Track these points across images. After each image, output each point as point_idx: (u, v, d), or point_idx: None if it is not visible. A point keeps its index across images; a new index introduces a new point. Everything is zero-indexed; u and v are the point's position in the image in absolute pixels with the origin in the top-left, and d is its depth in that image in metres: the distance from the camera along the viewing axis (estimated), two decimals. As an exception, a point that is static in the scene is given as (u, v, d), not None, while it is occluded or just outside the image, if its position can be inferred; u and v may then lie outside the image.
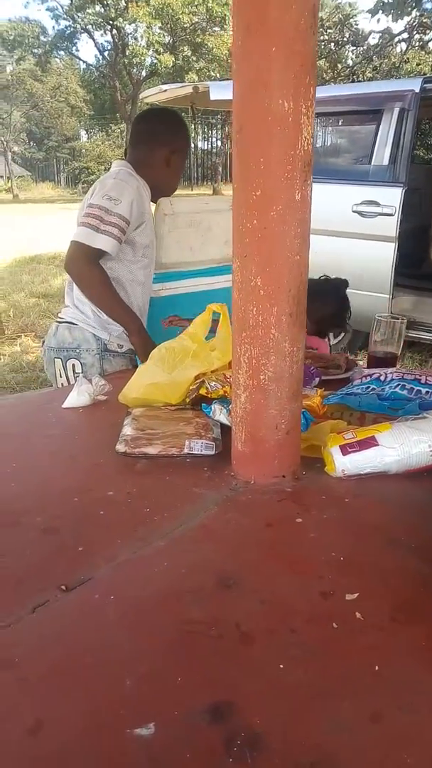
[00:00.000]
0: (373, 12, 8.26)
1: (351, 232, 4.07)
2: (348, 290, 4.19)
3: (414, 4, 8.22)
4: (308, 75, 0.78)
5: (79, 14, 21.77)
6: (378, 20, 8.76)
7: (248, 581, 0.69)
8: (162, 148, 1.68)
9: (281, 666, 0.57)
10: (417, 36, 9.22)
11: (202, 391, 1.13)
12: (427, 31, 8.99)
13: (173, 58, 20.59)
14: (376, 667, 0.57)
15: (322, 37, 10.63)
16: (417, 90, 3.89)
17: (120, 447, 1.00)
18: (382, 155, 4.08)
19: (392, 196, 3.90)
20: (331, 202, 4.21)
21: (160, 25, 19.97)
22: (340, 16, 10.77)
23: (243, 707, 0.52)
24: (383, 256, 3.95)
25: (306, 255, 0.86)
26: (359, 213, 4.04)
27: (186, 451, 0.99)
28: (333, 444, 0.96)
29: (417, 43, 9.59)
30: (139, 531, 0.80)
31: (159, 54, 20.43)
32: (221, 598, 0.67)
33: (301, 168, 0.80)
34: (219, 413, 1.08)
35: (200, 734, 0.50)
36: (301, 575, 0.71)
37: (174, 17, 19.41)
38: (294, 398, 0.93)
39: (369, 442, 0.94)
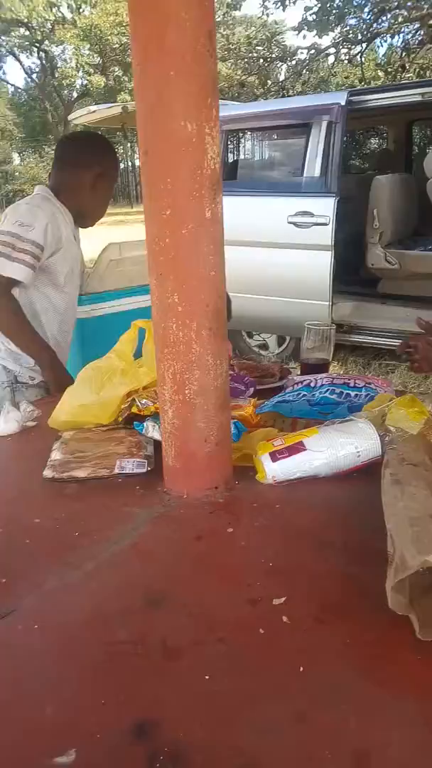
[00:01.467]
0: (298, 29, 8.53)
1: (288, 242, 4.16)
2: (289, 299, 4.27)
3: (337, 21, 8.53)
4: (209, 97, 0.80)
5: (3, 38, 21.57)
6: (304, 36, 9.03)
7: (177, 596, 0.70)
8: (86, 172, 1.64)
9: (207, 677, 0.57)
10: (344, 50, 9.54)
11: (134, 410, 1.13)
12: (353, 46, 9.32)
13: (104, 79, 20.67)
14: (301, 669, 0.58)
15: (251, 54, 10.88)
16: (343, 103, 4.03)
17: (47, 473, 0.99)
18: (314, 167, 4.20)
19: (325, 206, 4.01)
20: (267, 214, 4.30)
21: (89, 46, 20.03)
22: (267, 33, 11.07)
23: (167, 723, 0.52)
24: (321, 264, 4.05)
25: (221, 270, 0.88)
26: (294, 224, 4.13)
27: (117, 471, 0.99)
28: (263, 451, 0.98)
29: (344, 57, 9.92)
30: (68, 556, 0.79)
31: (89, 75, 20.47)
32: (149, 616, 0.67)
33: (209, 186, 0.82)
34: (152, 430, 1.08)
35: (123, 755, 0.50)
36: (230, 585, 0.72)
37: (102, 38, 19.51)
38: (221, 410, 0.94)
39: (297, 448, 0.96)
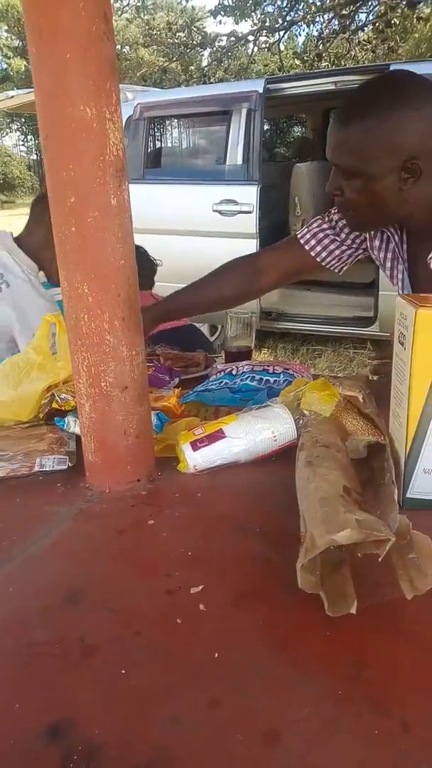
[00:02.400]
0: (214, 14, 8.49)
1: (213, 231, 4.17)
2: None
3: (254, 7, 8.54)
4: (108, 81, 0.78)
5: None
6: (221, 22, 8.99)
7: (96, 593, 0.69)
8: None
9: (123, 672, 0.57)
10: (262, 38, 9.58)
11: (54, 405, 1.11)
12: (271, 34, 9.37)
13: (25, 63, 19.89)
14: (216, 655, 0.58)
15: (172, 41, 10.76)
16: (260, 90, 4.07)
17: (-37, 473, 0.95)
18: (236, 155, 4.22)
19: (249, 194, 4.05)
20: (192, 202, 4.30)
21: (6, 28, 19.20)
22: (187, 19, 10.98)
23: (82, 721, 0.52)
24: (246, 252, 4.07)
25: (131, 259, 0.87)
26: (219, 212, 4.15)
27: (37, 468, 0.96)
28: (184, 441, 0.98)
29: (263, 45, 9.97)
30: (-16, 559, 0.76)
31: (9, 59, 19.65)
32: (67, 615, 0.65)
33: (114, 173, 0.81)
34: (73, 425, 1.06)
35: (36, 758, 0.49)
36: (149, 577, 0.71)
37: (20, 20, 18.72)
38: (140, 402, 0.93)
39: (217, 435, 0.97)
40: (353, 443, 0.98)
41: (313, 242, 1.41)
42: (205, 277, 1.50)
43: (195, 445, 0.96)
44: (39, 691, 0.56)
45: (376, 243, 1.35)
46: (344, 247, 1.41)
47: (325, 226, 1.41)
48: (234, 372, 1.29)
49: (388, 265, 1.35)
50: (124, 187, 0.83)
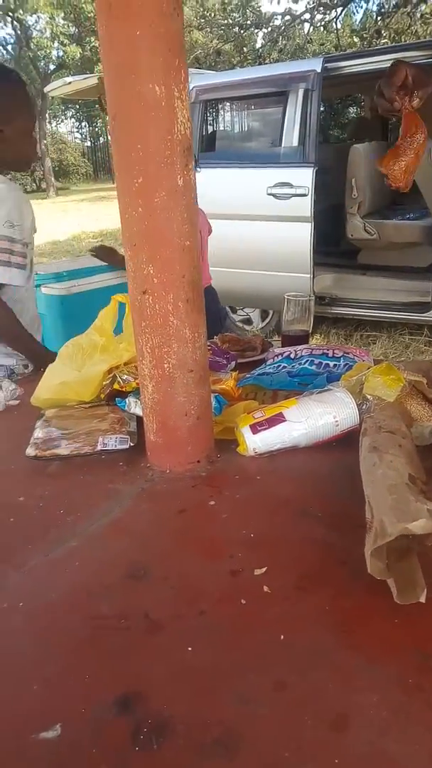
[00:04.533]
0: (271, -6, 8.36)
1: (267, 215, 4.11)
2: (270, 273, 4.24)
3: (311, -15, 8.35)
4: (177, 58, 0.77)
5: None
6: (278, 2, 8.81)
7: (159, 570, 0.70)
8: None
9: (189, 649, 0.57)
10: (319, 16, 9.35)
11: (116, 386, 1.12)
12: (328, 11, 9.13)
13: (80, 50, 20.06)
14: (282, 637, 0.58)
15: (226, 21, 10.63)
16: (318, 70, 3.96)
17: (30, 451, 0.97)
18: (292, 137, 4.14)
19: (304, 177, 3.97)
20: (246, 186, 4.25)
21: (63, 15, 19.37)
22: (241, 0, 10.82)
23: (150, 696, 0.53)
24: (301, 236, 4.02)
25: (195, 240, 0.86)
26: (274, 195, 4.09)
27: (100, 447, 0.98)
28: (244, 424, 0.97)
29: (319, 24, 9.72)
30: (52, 533, 0.78)
31: (65, 46, 19.85)
32: (131, 590, 0.67)
33: (181, 153, 0.80)
34: (134, 406, 1.07)
35: (107, 728, 0.50)
36: (212, 557, 0.72)
37: (77, 7, 18.87)
38: (201, 384, 0.93)
39: (277, 419, 0.96)
40: (418, 429, 0.95)
41: None
42: None
43: (255, 429, 0.96)
44: (107, 663, 0.57)
45: None
46: None
47: None
48: (292, 356, 1.28)
49: None
50: (191, 166, 0.82)
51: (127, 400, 1.08)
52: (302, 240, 4.03)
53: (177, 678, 0.54)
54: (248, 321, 4.85)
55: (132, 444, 0.99)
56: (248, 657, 0.57)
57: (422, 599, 0.58)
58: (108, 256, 2.82)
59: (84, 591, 0.67)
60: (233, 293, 4.46)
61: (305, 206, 3.96)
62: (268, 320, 4.64)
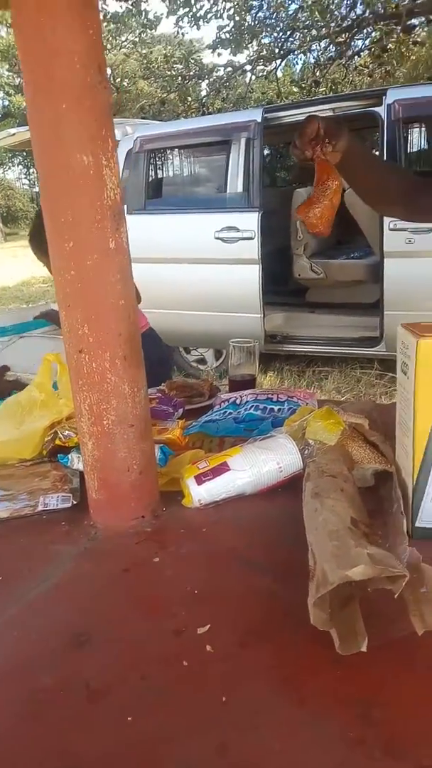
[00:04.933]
0: (212, 47, 8.72)
1: (216, 258, 4.21)
2: (222, 313, 4.31)
3: (250, 39, 8.76)
4: (104, 128, 0.80)
5: None
6: (219, 54, 9.22)
7: (101, 635, 0.68)
8: None
9: (130, 718, 0.56)
10: (260, 67, 9.78)
11: (58, 442, 1.11)
12: (268, 63, 9.56)
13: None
14: (224, 698, 0.58)
15: (170, 72, 11.01)
16: (259, 120, 4.14)
17: (-31, 514, 0.95)
18: (236, 183, 4.29)
19: (250, 221, 4.10)
20: (194, 230, 4.35)
21: (7, 66, 19.73)
22: (184, 52, 11.26)
23: (89, 771, 0.51)
24: (249, 278, 4.13)
25: (131, 298, 0.88)
26: (221, 239, 4.20)
27: (41, 508, 0.96)
28: (188, 475, 0.98)
29: (260, 74, 10.17)
30: (-10, 602, 0.76)
31: (10, 96, 20.16)
32: (73, 658, 0.65)
33: (112, 217, 0.82)
34: (77, 462, 1.07)
35: None
36: (155, 617, 0.71)
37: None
38: (143, 438, 0.93)
39: (221, 469, 0.97)
40: (360, 472, 0.97)
41: None
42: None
43: (199, 479, 0.96)
44: (46, 739, 0.55)
45: None
46: None
47: None
48: (238, 401, 1.30)
49: None
50: (123, 229, 0.85)
51: (69, 456, 1.08)
52: (251, 281, 4.13)
53: (116, 751, 0.53)
54: (202, 361, 4.90)
55: (75, 502, 0.98)
56: (190, 722, 0.56)
57: (364, 648, 0.59)
58: (58, 318, 2.80)
59: (24, 663, 0.65)
60: (186, 334, 4.51)
61: (252, 249, 4.08)
62: (222, 359, 4.69)
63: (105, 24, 11.25)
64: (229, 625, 0.68)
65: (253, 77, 10.02)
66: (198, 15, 8.23)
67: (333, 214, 1.12)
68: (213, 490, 0.96)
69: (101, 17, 0.75)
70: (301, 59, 10.77)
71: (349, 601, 0.67)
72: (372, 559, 0.61)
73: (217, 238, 4.19)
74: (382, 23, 7.12)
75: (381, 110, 3.82)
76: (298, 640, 0.64)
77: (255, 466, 0.97)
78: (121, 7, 7.81)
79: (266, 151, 6.78)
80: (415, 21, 7.69)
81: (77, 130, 0.78)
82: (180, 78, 10.52)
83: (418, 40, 9.15)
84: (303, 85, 10.13)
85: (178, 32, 9.71)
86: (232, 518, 0.92)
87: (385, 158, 3.69)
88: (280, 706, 0.57)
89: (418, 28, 8.51)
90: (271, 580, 0.76)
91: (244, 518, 0.92)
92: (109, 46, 13.67)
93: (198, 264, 4.27)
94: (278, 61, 9.46)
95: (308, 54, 9.44)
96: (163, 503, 0.97)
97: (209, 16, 8.17)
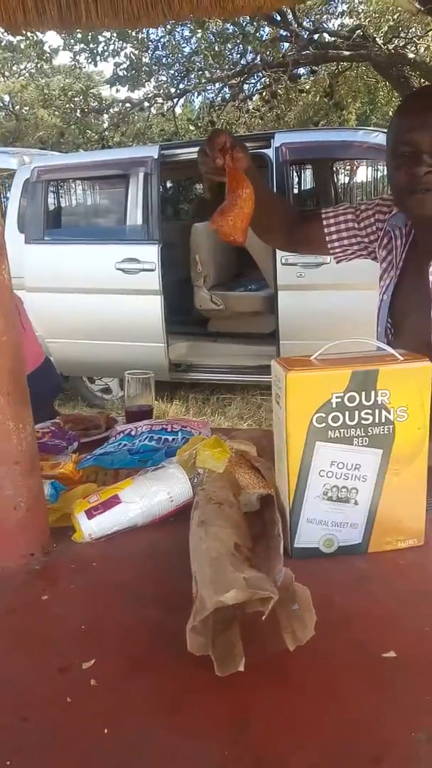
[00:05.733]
0: (110, 83, 8.86)
1: (117, 288, 4.23)
2: (125, 343, 4.31)
3: (146, 78, 8.98)
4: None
5: None
6: (117, 90, 9.37)
7: (-17, 680, 0.67)
8: None
9: (8, 763, 0.55)
10: (157, 105, 10.04)
11: None
12: (165, 101, 9.83)
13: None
14: (106, 731, 0.58)
15: (69, 105, 11.03)
16: (156, 156, 4.25)
17: None
18: (136, 215, 4.35)
19: (150, 253, 4.16)
20: (95, 261, 4.35)
21: None
22: (82, 86, 11.34)
23: None
24: (151, 308, 4.17)
25: (13, 334, 0.88)
26: (123, 270, 4.22)
27: None
28: (78, 510, 0.97)
29: (159, 111, 10.42)
30: None
31: None
32: None
33: (-9, 254, 0.83)
34: (-36, 501, 1.03)
35: None
36: (40, 657, 0.70)
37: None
38: (30, 474, 0.92)
39: (112, 502, 0.97)
40: (246, 497, 1.01)
41: (332, 221, 1.41)
42: None
43: (90, 513, 0.96)
44: None
45: (384, 241, 1.38)
46: (356, 240, 1.42)
47: (349, 214, 1.42)
48: (133, 433, 1.31)
49: (384, 266, 1.38)
50: (4, 266, 0.85)
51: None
52: (153, 311, 4.18)
53: (-7, 799, 0.52)
54: (107, 390, 4.86)
55: (-39, 543, 0.94)
56: (71, 760, 0.56)
57: (241, 668, 0.62)
58: None
59: None
60: (91, 364, 4.47)
61: (153, 280, 4.14)
62: (124, 391, 4.67)
63: (0, 51, 11.13)
64: (115, 657, 0.68)
65: (152, 113, 10.24)
66: (95, 51, 8.33)
67: (247, 222, 1.12)
68: (104, 523, 0.96)
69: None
70: (198, 99, 11.17)
71: (231, 623, 0.69)
72: (247, 583, 0.65)
73: (119, 269, 4.22)
74: (270, 71, 7.55)
75: (270, 152, 4.04)
76: (181, 667, 0.65)
77: (146, 497, 0.98)
78: (14, 37, 7.75)
79: (169, 184, 6.95)
80: (302, 70, 8.24)
81: None
82: (79, 111, 10.57)
83: (306, 87, 9.80)
84: (200, 124, 10.49)
85: (75, 66, 9.78)
86: (123, 551, 0.93)
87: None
88: (161, 734, 0.58)
89: (303, 77, 9.12)
90: (159, 611, 0.77)
91: (135, 550, 0.93)
92: (7, 74, 13.50)
93: (100, 294, 4.26)
94: (175, 100, 9.75)
95: (203, 95, 9.81)
96: (55, 539, 0.96)
97: (105, 54, 8.30)
